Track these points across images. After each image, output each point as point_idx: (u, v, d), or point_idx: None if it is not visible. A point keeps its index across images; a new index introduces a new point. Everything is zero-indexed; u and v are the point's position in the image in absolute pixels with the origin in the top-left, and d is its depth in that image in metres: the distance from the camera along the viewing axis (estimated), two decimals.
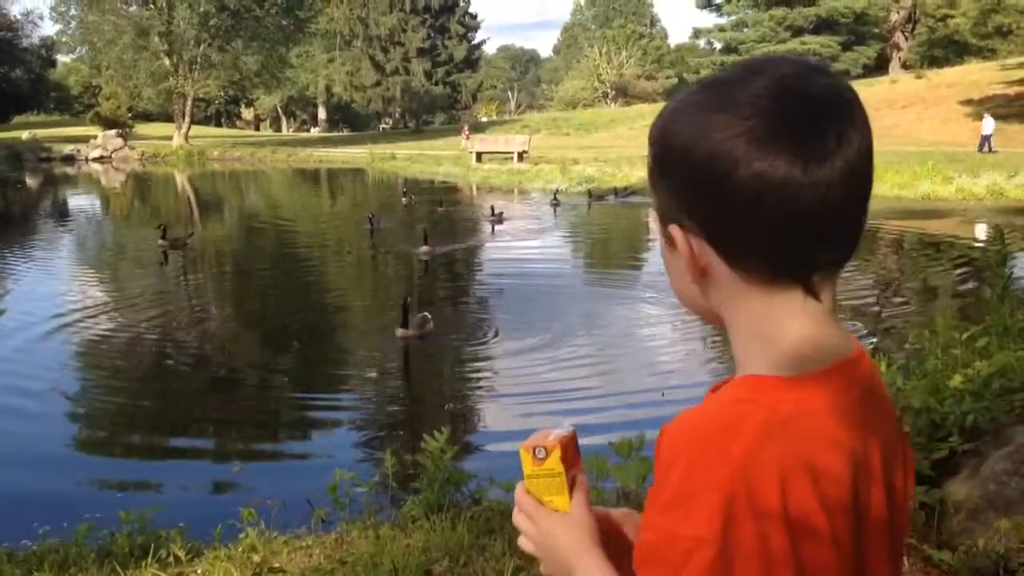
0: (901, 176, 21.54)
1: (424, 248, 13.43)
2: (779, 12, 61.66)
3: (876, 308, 9.65)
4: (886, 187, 20.52)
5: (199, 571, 3.54)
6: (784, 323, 0.81)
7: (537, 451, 0.96)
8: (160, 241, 14.39)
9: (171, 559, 3.62)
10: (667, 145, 0.82)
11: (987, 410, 3.70)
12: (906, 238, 15.74)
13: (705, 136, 0.78)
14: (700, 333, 8.62)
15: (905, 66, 57.71)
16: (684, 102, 0.82)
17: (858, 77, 53.83)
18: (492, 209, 18.66)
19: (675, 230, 0.83)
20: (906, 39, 59.92)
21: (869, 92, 34.92)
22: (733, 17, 67.17)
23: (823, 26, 61.03)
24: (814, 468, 0.76)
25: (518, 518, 0.96)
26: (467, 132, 45.52)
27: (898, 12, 58.81)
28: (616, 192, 23.91)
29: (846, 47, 61.69)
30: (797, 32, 61.34)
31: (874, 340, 7.77)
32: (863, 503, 0.80)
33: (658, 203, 0.86)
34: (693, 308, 0.89)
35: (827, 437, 0.78)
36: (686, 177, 0.80)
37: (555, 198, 22.47)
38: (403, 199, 22.89)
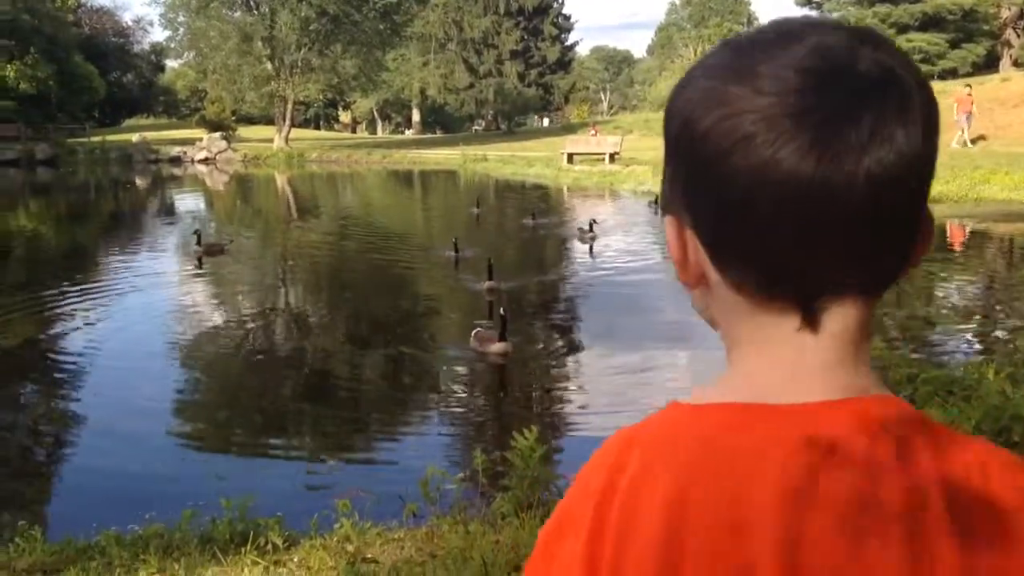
0: (1012, 178, 20.64)
1: (488, 284, 10.94)
2: (883, 9, 59.78)
3: (984, 314, 9.27)
4: (995, 189, 19.73)
5: (295, 559, 3.64)
6: (760, 350, 0.67)
7: None
8: (195, 247, 14.28)
9: (269, 547, 3.74)
10: (670, 115, 0.68)
11: None
12: (1016, 242, 15.08)
13: (709, 108, 0.64)
14: None
15: (1017, 64, 55.27)
16: (701, 64, 0.68)
17: (967, 75, 51.82)
18: (590, 225, 15.44)
19: (668, 222, 0.70)
20: (1018, 36, 57.37)
21: (979, 91, 33.47)
22: (835, 14, 65.40)
23: (930, 23, 58.89)
24: (632, 501, 0.65)
25: None
26: (596, 129, 45.47)
27: (1009, 8, 56.36)
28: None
29: (954, 44, 59.39)
30: (902, 29, 59.31)
31: (981, 347, 7.46)
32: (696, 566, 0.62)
33: (660, 188, 0.72)
34: (699, 313, 0.73)
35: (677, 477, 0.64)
36: (682, 156, 0.66)
37: None
38: (474, 210, 20.41)
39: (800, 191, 0.60)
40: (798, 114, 0.60)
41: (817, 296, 0.64)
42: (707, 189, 0.64)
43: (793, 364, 0.65)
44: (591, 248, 14.98)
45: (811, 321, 0.65)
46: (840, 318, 0.65)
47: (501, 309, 8.11)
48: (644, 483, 0.64)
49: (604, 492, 0.66)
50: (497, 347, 7.92)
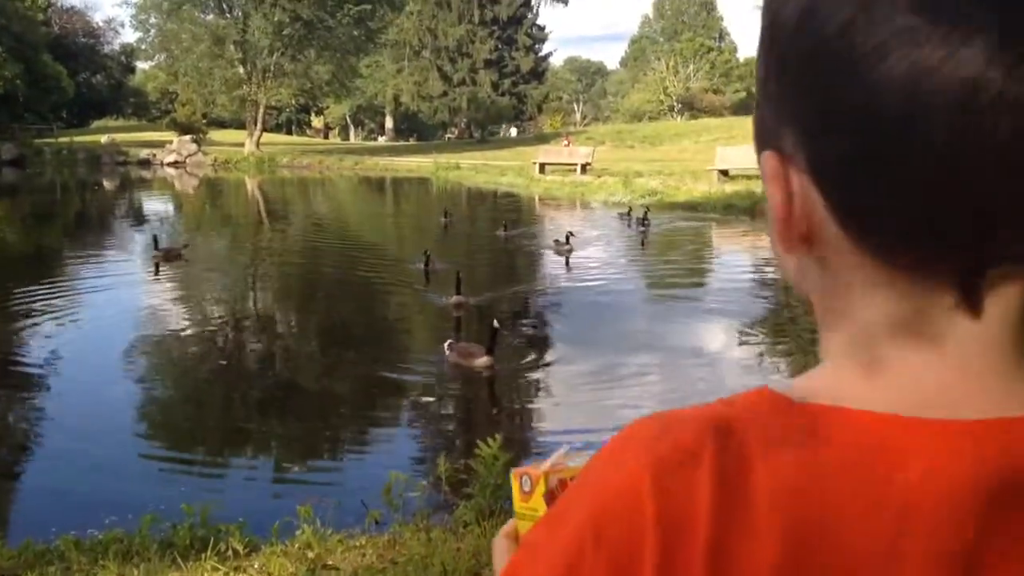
0: None
1: (455, 298, 10.60)
2: None
3: None
4: None
5: (256, 565, 3.63)
6: (898, 337, 0.48)
7: (523, 481, 0.75)
8: (154, 252, 14.25)
9: (230, 552, 3.73)
10: (778, 10, 0.48)
11: None
12: None
13: None
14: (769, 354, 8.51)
15: None
16: None
17: None
18: (567, 237, 15.14)
19: (768, 159, 0.50)
20: None
21: None
22: None
23: None
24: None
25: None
26: (568, 140, 45.73)
27: None
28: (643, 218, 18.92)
29: None
30: None
31: None
32: None
33: (756, 114, 0.52)
34: (794, 287, 0.53)
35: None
36: (797, 65, 0.47)
37: (644, 219, 18.55)
38: (442, 219, 20.00)
39: (978, 109, 0.41)
40: None
41: (983, 265, 0.45)
42: (837, 109, 0.45)
43: (950, 360, 0.47)
44: (567, 261, 14.70)
45: (971, 299, 0.46)
46: (1011, 298, 0.46)
47: (495, 322, 8.02)
48: (736, 506, 0.46)
49: (666, 517, 0.46)
50: (482, 360, 7.81)
